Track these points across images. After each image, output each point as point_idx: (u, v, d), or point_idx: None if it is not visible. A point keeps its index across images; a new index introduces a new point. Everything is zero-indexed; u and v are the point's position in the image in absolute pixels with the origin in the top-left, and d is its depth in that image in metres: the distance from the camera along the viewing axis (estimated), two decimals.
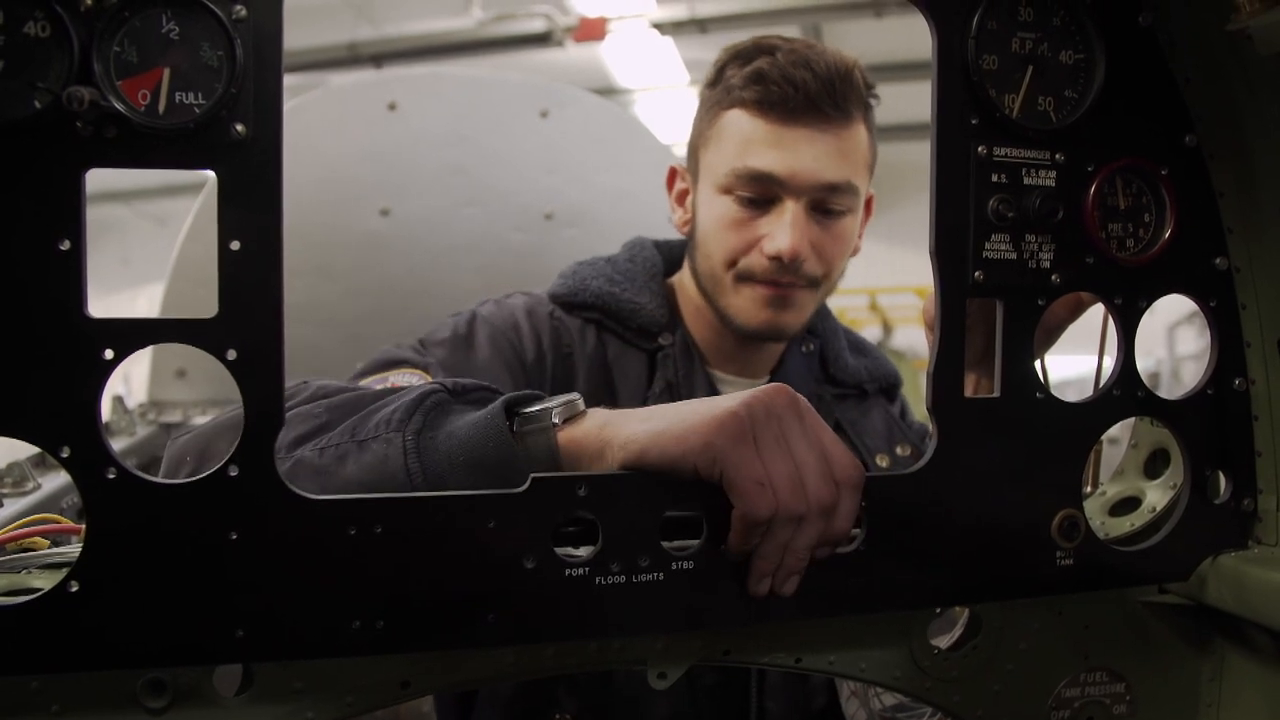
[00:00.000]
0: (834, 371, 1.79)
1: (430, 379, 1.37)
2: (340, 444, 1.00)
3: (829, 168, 1.56)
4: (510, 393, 1.03)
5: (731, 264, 1.62)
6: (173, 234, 2.85)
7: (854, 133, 1.59)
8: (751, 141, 1.57)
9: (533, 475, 0.93)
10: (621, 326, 1.69)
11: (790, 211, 1.56)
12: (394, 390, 1.07)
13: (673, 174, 1.80)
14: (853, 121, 1.59)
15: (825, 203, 1.59)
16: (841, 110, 1.56)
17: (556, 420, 0.98)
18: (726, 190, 1.61)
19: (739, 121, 1.59)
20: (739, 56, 1.63)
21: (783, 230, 1.56)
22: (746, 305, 1.62)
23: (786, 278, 1.59)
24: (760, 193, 1.59)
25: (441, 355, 1.54)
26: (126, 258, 15.58)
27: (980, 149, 1.03)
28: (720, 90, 1.63)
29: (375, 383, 1.34)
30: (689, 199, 1.75)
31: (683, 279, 1.78)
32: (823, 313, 1.84)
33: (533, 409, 1.00)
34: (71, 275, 0.82)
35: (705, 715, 1.62)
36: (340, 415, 1.04)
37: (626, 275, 1.73)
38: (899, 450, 1.74)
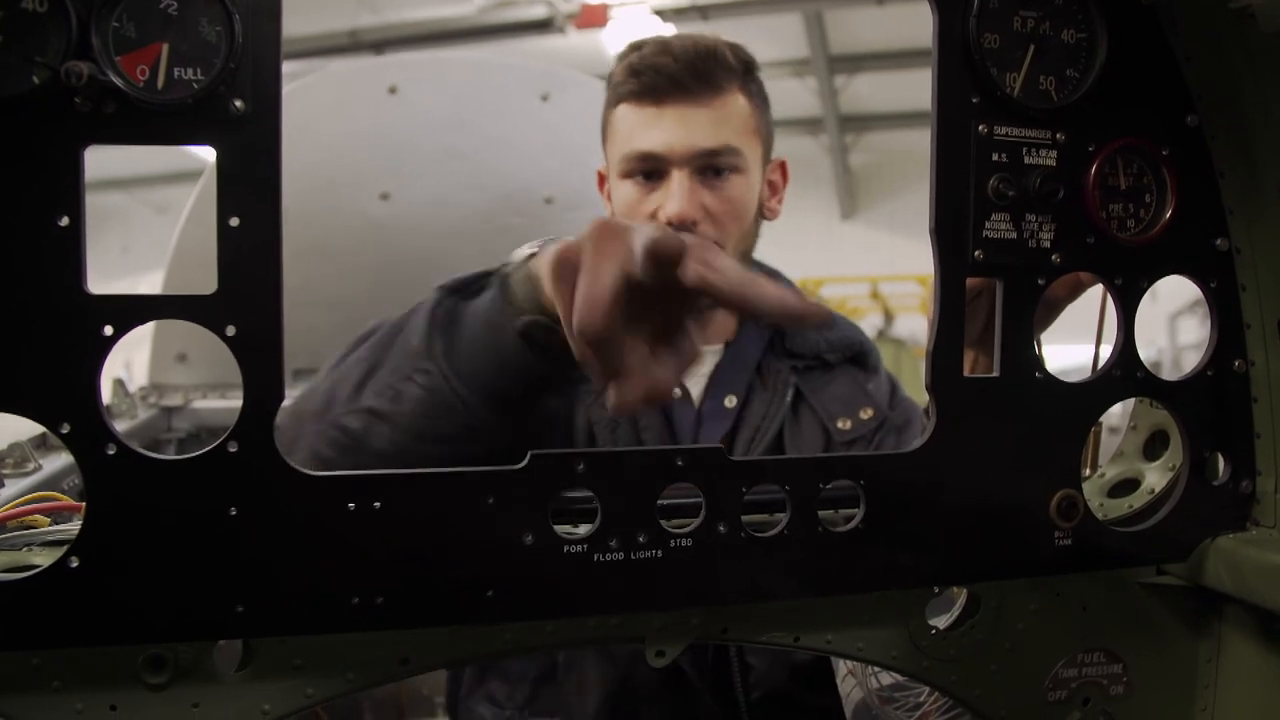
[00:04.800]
0: (790, 345, 1.88)
1: None
2: (390, 383, 1.11)
3: (703, 136, 1.71)
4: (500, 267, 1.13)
5: None
6: (174, 222, 2.85)
7: (727, 102, 1.74)
8: (635, 127, 1.74)
9: (531, 452, 0.94)
10: None
11: (676, 180, 1.71)
12: (410, 310, 1.18)
13: (600, 177, 1.93)
14: (723, 93, 1.73)
15: (711, 166, 1.73)
16: (707, 84, 1.71)
17: (531, 250, 1.09)
18: (625, 175, 1.77)
19: (623, 114, 1.77)
20: (619, 59, 1.81)
21: (671, 198, 1.70)
22: None
23: None
24: (650, 169, 1.74)
25: None
26: (127, 246, 15.61)
27: (981, 128, 1.03)
28: (609, 91, 1.81)
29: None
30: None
31: None
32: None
33: (517, 254, 1.11)
34: (71, 251, 0.82)
35: (680, 669, 1.67)
36: (379, 354, 1.16)
37: None
38: (862, 414, 1.81)
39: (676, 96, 1.71)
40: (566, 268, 0.91)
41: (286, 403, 0.90)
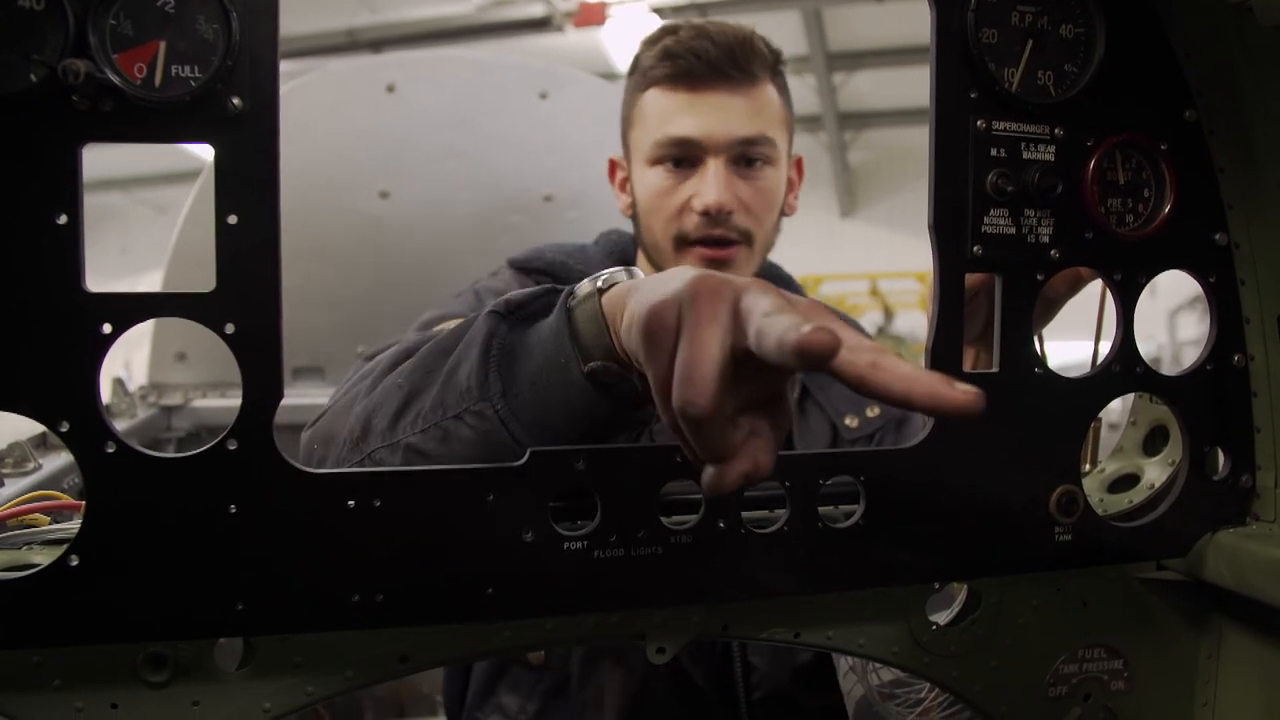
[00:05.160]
0: None
1: None
2: (437, 422, 1.00)
3: (742, 124, 1.69)
4: (562, 286, 1.01)
5: (670, 231, 1.73)
6: (172, 221, 2.85)
7: (762, 91, 1.73)
8: (669, 112, 1.71)
9: (530, 449, 0.94)
10: None
11: (713, 168, 1.69)
12: (455, 332, 1.06)
13: (612, 165, 1.92)
14: (759, 82, 1.72)
15: (745, 155, 1.72)
16: (745, 72, 1.69)
17: (601, 283, 0.95)
18: (655, 161, 1.74)
19: (656, 98, 1.73)
20: (648, 42, 1.78)
21: (708, 186, 1.68)
22: None
23: (718, 231, 1.70)
24: (684, 156, 1.71)
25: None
26: (126, 246, 15.62)
27: (979, 123, 1.03)
28: (637, 76, 1.77)
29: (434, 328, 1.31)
30: (628, 183, 1.86)
31: (640, 263, 1.86)
32: (790, 288, 1.92)
33: (581, 288, 0.97)
34: (69, 249, 0.81)
35: (684, 671, 1.67)
36: (420, 381, 1.04)
37: (583, 251, 1.85)
38: (869, 411, 1.80)
39: (714, 83, 1.68)
40: (661, 329, 0.77)
41: (317, 401, 0.86)
